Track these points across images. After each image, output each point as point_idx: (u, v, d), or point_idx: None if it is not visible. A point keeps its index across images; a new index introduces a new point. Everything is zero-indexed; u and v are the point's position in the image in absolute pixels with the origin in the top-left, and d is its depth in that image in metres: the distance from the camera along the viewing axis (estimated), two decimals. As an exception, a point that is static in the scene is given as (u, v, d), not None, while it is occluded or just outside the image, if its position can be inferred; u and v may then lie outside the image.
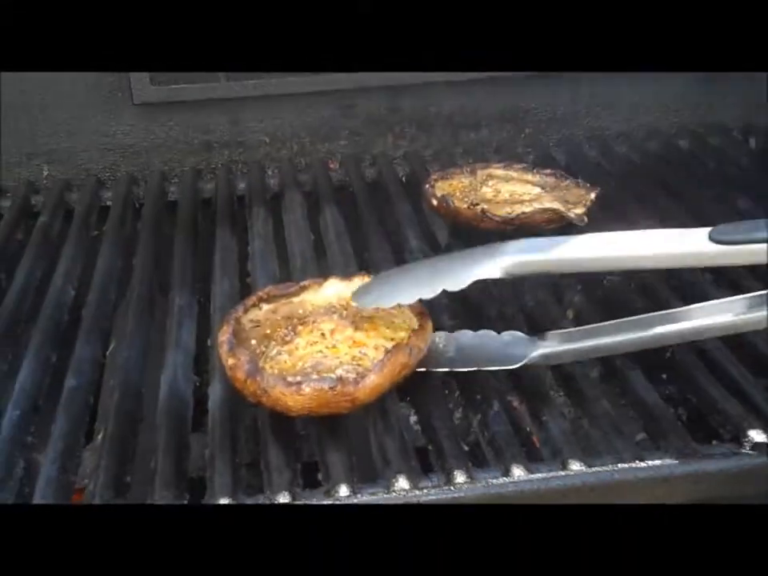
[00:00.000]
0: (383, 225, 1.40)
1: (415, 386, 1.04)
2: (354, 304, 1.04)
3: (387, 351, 0.96)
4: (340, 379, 0.91)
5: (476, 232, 1.31)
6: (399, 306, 1.03)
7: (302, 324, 1.05)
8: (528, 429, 0.99)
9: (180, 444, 0.97)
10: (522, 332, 1.06)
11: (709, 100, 1.70)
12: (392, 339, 1.02)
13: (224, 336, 0.98)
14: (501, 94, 1.65)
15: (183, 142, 1.60)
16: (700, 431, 0.97)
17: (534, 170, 1.43)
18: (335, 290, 1.10)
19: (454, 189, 1.39)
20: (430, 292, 1.00)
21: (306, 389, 0.91)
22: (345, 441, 0.96)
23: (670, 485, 0.89)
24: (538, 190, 1.39)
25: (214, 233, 1.39)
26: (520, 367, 1.01)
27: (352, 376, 0.93)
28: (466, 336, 1.08)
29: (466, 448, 0.98)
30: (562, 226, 1.30)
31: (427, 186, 1.38)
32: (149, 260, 1.33)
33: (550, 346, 1.02)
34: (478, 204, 1.31)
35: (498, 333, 1.07)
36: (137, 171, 1.59)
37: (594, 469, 0.89)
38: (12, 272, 1.29)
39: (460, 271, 1.02)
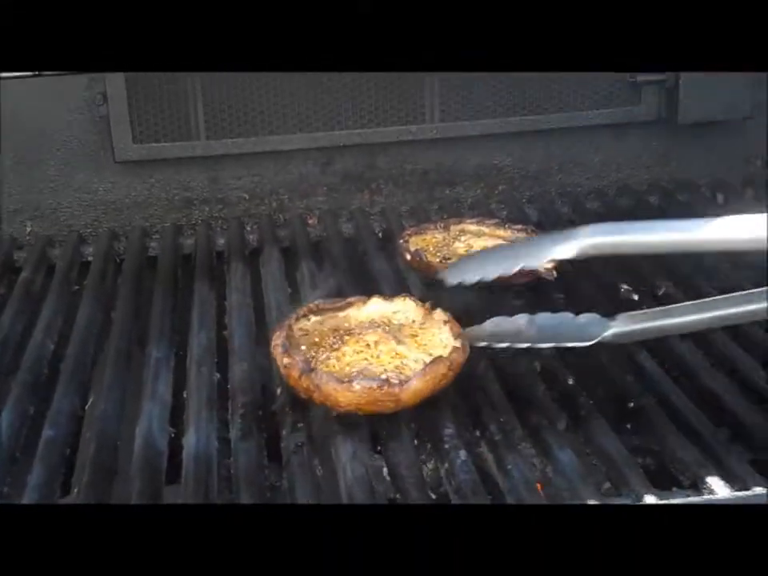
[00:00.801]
0: (358, 279, 1.43)
1: (387, 437, 1.06)
2: (445, 281, 1.18)
3: (431, 361, 1.06)
4: (387, 381, 1.03)
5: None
6: (480, 282, 1.17)
7: (348, 335, 1.15)
8: (495, 478, 1.01)
9: (154, 495, 0.99)
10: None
11: (679, 156, 1.75)
12: (430, 355, 1.11)
13: (278, 340, 1.11)
14: (475, 151, 1.69)
15: (164, 199, 1.64)
16: (661, 479, 1.00)
17: (506, 226, 1.47)
18: (377, 307, 1.21)
19: (427, 244, 1.43)
20: (509, 268, 1.11)
21: (357, 386, 1.02)
22: (315, 491, 0.98)
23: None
24: (509, 245, 1.42)
25: (193, 287, 1.42)
26: (592, 345, 1.14)
27: (397, 379, 1.04)
28: (545, 317, 1.20)
29: (434, 497, 1.00)
30: (532, 280, 1.33)
31: (401, 240, 1.41)
32: (128, 314, 1.35)
33: (621, 325, 1.13)
34: (450, 258, 1.34)
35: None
36: (118, 227, 1.62)
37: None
38: (-6, 326, 1.31)
39: (538, 251, 1.12)
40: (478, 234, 1.46)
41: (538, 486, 1.01)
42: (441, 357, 1.07)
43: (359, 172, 1.68)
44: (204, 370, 1.19)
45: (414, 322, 1.19)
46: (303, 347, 1.12)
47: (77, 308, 1.37)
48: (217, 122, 1.60)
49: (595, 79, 1.67)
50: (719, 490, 0.93)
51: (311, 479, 0.99)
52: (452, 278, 1.17)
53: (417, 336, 1.16)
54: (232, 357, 1.23)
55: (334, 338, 1.15)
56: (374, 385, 1.03)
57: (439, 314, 1.18)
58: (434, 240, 1.45)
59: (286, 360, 1.08)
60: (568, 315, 1.19)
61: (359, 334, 1.15)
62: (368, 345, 1.13)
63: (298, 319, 1.17)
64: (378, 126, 1.64)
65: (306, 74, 1.59)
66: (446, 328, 1.15)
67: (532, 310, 1.31)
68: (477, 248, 1.42)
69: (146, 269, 1.52)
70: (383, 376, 1.05)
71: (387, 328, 1.17)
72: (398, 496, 0.98)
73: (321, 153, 1.66)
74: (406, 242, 1.41)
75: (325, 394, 1.04)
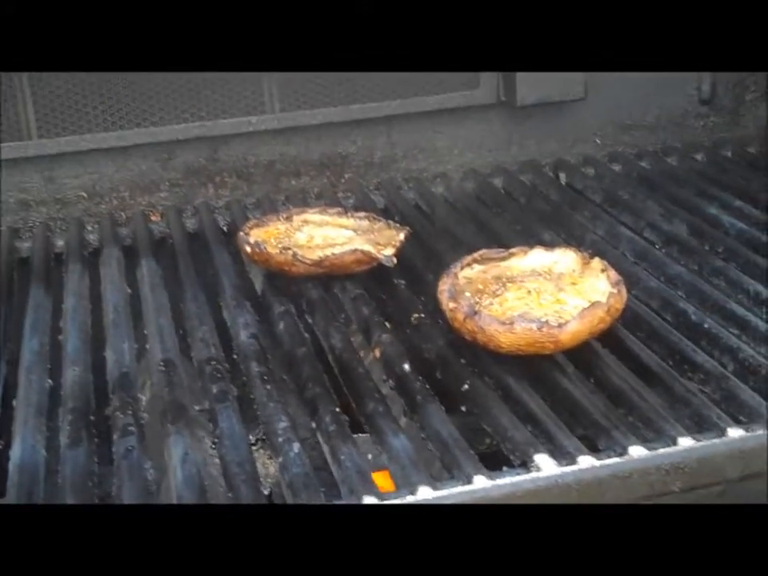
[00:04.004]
0: (201, 275, 1.41)
1: (222, 434, 1.04)
2: None
3: (589, 305, 1.11)
4: (546, 322, 1.08)
5: (291, 277, 1.34)
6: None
7: (510, 282, 1.21)
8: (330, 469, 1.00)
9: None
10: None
11: (520, 138, 1.77)
12: (589, 301, 1.14)
13: (444, 286, 1.17)
14: (319, 140, 1.69)
15: (-2, 202, 1.59)
16: (493, 459, 1.01)
17: (348, 214, 1.46)
18: (538, 257, 1.26)
19: (269, 235, 1.41)
20: None
21: (517, 327, 1.08)
22: (143, 495, 0.95)
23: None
24: (350, 233, 1.42)
25: (29, 292, 1.38)
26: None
27: (556, 322, 1.09)
28: None
29: (266, 492, 0.99)
30: (374, 267, 1.33)
31: (241, 233, 1.39)
32: (-42, 323, 1.31)
33: None
34: (289, 249, 1.33)
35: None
36: (-49, 233, 1.56)
37: (386, 502, 0.91)
38: None
39: None
40: (321, 224, 1.45)
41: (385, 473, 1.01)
42: (599, 301, 1.12)
43: (201, 166, 1.66)
44: (33, 377, 1.15)
45: (573, 271, 1.23)
46: (467, 293, 1.16)
47: None
48: (49, 119, 1.55)
49: (435, 64, 1.67)
50: (547, 467, 0.94)
51: (140, 483, 0.97)
52: None
53: (576, 284, 1.20)
54: (65, 361, 1.19)
55: (497, 285, 1.21)
56: (534, 326, 1.07)
57: (597, 263, 1.21)
58: (275, 231, 1.43)
59: (451, 305, 1.13)
60: None
61: (521, 281, 1.21)
62: (529, 291, 1.19)
63: (463, 268, 1.22)
64: (218, 118, 1.61)
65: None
66: (604, 276, 1.19)
67: (372, 296, 1.31)
68: (318, 237, 1.41)
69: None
70: (543, 319, 1.09)
71: (548, 276, 1.22)
72: (230, 494, 0.97)
73: (161, 148, 1.63)
74: (247, 234, 1.39)
75: (488, 335, 1.09)
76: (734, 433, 0.97)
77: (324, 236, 1.42)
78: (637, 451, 0.95)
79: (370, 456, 1.03)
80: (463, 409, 1.09)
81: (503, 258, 1.26)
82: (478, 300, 1.17)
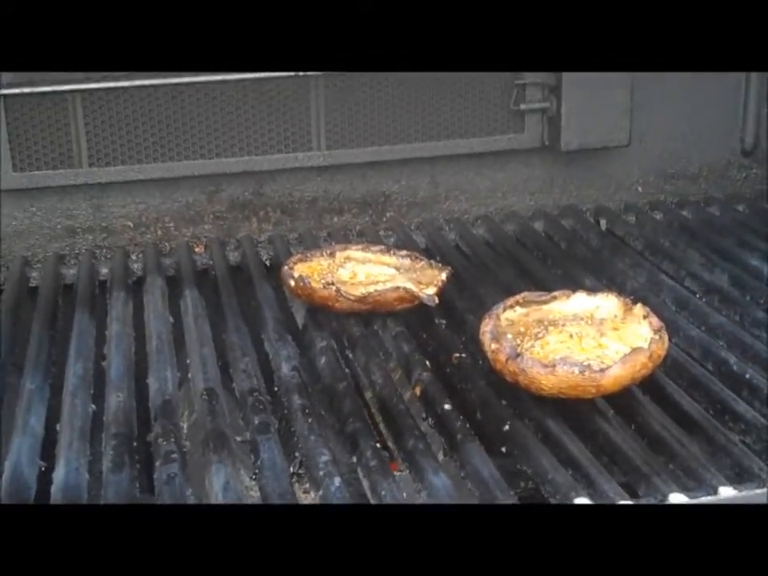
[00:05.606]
0: (243, 307, 1.42)
1: (262, 465, 1.05)
2: None
3: (632, 350, 1.12)
4: (588, 366, 1.09)
5: (333, 313, 1.35)
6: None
7: (552, 326, 1.22)
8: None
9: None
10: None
11: (562, 183, 1.78)
12: (631, 347, 1.15)
13: (486, 327, 1.18)
14: (363, 179, 1.70)
15: (46, 228, 1.62)
16: (532, 501, 1.01)
17: (391, 252, 1.48)
18: (580, 302, 1.26)
19: (312, 271, 1.43)
20: None
21: (560, 371, 1.08)
22: (186, 521, 0.96)
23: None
24: (393, 271, 1.43)
25: (73, 318, 1.40)
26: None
27: (598, 366, 1.09)
28: None
29: (306, 524, 0.99)
30: (415, 306, 1.34)
31: (285, 267, 1.41)
32: (5, 345, 1.32)
33: None
34: (332, 284, 1.34)
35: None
36: (-2, 257, 1.59)
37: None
38: None
39: None
40: (364, 261, 1.46)
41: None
42: (642, 347, 1.12)
43: (247, 200, 1.68)
44: (78, 401, 1.17)
45: (615, 316, 1.23)
46: (509, 335, 1.17)
47: (-49, 340, 1.34)
48: (100, 148, 1.58)
49: (480, 107, 1.69)
50: (587, 510, 0.94)
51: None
52: None
53: (618, 330, 1.21)
54: (108, 387, 1.21)
55: (539, 328, 1.22)
56: (576, 370, 1.08)
57: (639, 309, 1.21)
58: (319, 267, 1.45)
59: (494, 346, 1.14)
60: None
61: (563, 325, 1.22)
62: (571, 335, 1.20)
63: (505, 310, 1.23)
64: (265, 153, 1.64)
65: (192, 102, 1.59)
66: (646, 322, 1.19)
67: (413, 334, 1.32)
68: (361, 274, 1.43)
69: (27, 299, 1.49)
70: (585, 363, 1.10)
71: (590, 321, 1.23)
72: (270, 525, 0.97)
73: (207, 180, 1.65)
74: (291, 269, 1.40)
75: (530, 377, 1.10)
76: (776, 484, 0.97)
77: (367, 273, 1.43)
78: (677, 499, 0.95)
79: (404, 494, 1.02)
80: (503, 450, 1.09)
81: (545, 302, 1.27)
82: (519, 342, 1.18)
